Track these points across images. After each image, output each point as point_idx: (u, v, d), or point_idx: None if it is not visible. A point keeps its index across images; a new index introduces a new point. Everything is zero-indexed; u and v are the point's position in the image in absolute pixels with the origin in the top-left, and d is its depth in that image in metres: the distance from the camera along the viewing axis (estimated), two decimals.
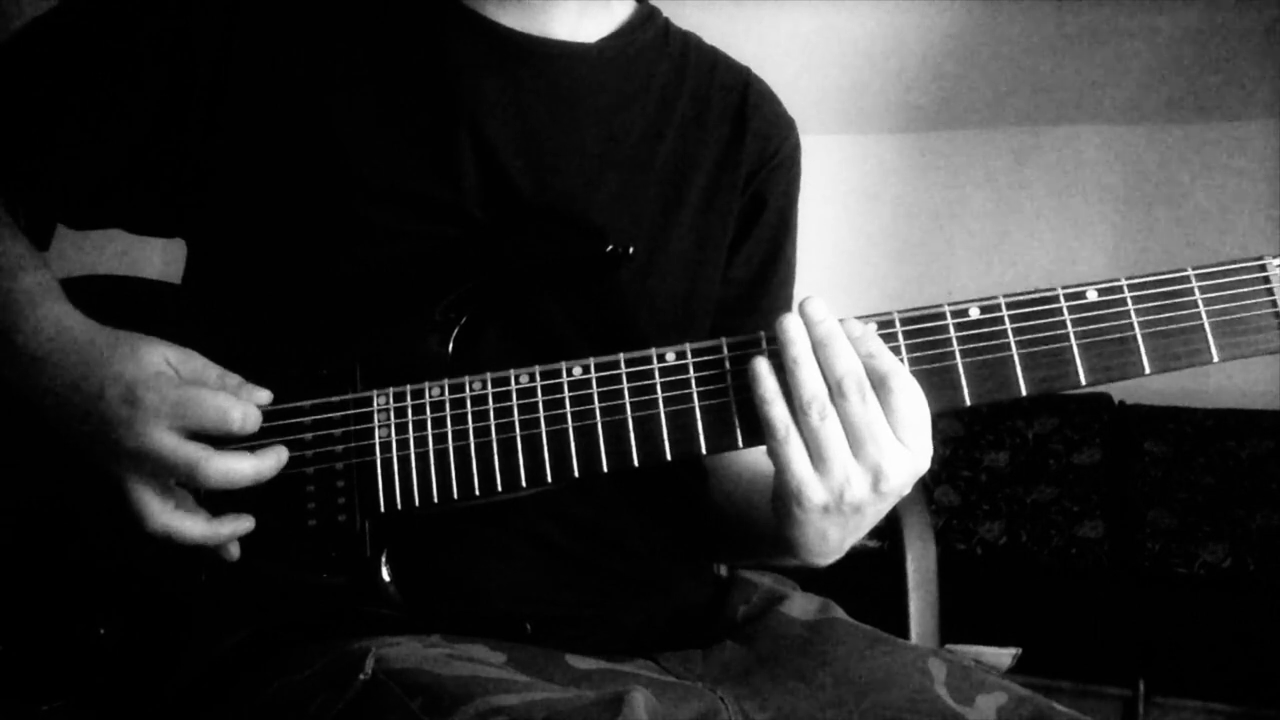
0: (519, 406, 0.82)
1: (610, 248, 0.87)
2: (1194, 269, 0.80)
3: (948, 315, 0.80)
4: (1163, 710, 2.75)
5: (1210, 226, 3.63)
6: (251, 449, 0.80)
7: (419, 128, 0.91)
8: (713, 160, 1.00)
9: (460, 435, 0.82)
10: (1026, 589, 3.21)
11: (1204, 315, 0.79)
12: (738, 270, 1.04)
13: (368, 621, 0.81)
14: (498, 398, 0.82)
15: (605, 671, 0.79)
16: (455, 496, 0.82)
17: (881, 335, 0.80)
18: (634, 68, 0.98)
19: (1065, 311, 0.79)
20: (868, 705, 0.78)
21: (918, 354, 0.80)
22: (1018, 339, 0.79)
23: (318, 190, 0.89)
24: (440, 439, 0.82)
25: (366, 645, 0.76)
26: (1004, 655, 2.78)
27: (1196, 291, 0.79)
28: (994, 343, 0.80)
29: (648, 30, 1.01)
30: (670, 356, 0.82)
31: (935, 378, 0.79)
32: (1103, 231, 3.79)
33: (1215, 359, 0.79)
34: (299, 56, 0.90)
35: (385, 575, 0.83)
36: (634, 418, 0.81)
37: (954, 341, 0.80)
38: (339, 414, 0.84)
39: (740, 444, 0.81)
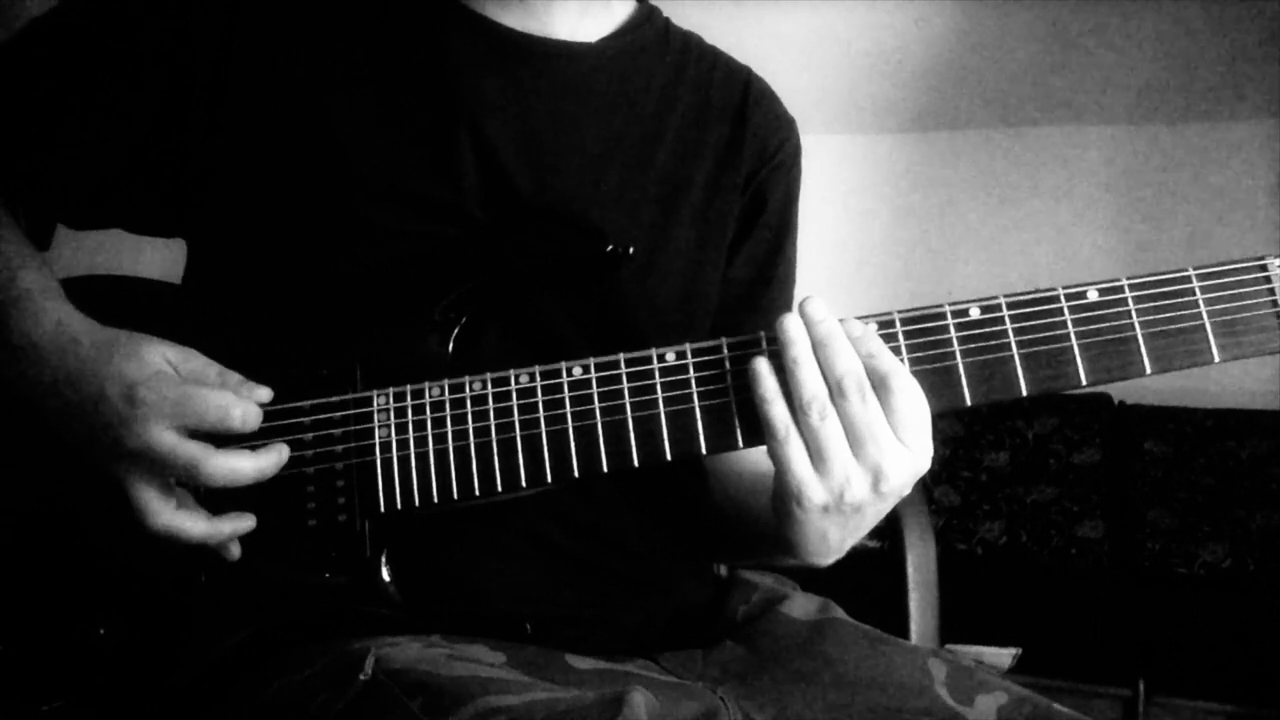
0: (519, 406, 0.82)
1: (610, 248, 0.87)
2: (1195, 269, 0.80)
3: (948, 315, 0.80)
4: (1163, 710, 2.74)
5: (1210, 226, 3.63)
6: (252, 448, 0.80)
7: (419, 128, 0.91)
8: (713, 160, 1.00)
9: (460, 435, 0.82)
10: (1026, 589, 3.21)
11: (1205, 315, 0.79)
12: (738, 270, 1.04)
13: (368, 621, 0.81)
14: (498, 398, 0.82)
15: (605, 671, 0.79)
16: (455, 496, 0.82)
17: (882, 335, 0.80)
18: (634, 67, 0.98)
19: (1066, 311, 0.79)
20: (868, 705, 0.79)
21: (918, 354, 0.80)
22: (1018, 339, 0.79)
23: (318, 190, 0.89)
24: (440, 439, 0.82)
25: (366, 645, 0.76)
26: (1004, 655, 2.78)
27: (1197, 291, 0.79)
28: (994, 343, 0.79)
29: (648, 30, 1.01)
30: (670, 356, 0.82)
31: (935, 378, 0.79)
32: (1103, 231, 3.78)
33: (1216, 359, 0.79)
34: (299, 56, 0.90)
35: (385, 575, 0.83)
36: (634, 418, 0.81)
37: (954, 341, 0.80)
38: (339, 414, 0.84)
39: (740, 444, 0.81)
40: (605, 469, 0.81)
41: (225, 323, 0.90)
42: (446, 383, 0.83)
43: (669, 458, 0.81)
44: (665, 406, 0.81)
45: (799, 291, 1.02)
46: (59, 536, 0.86)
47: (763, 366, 0.78)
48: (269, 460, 0.80)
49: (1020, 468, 3.48)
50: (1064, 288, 0.80)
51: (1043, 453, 3.47)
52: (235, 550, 0.82)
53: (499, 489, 0.81)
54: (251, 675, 0.81)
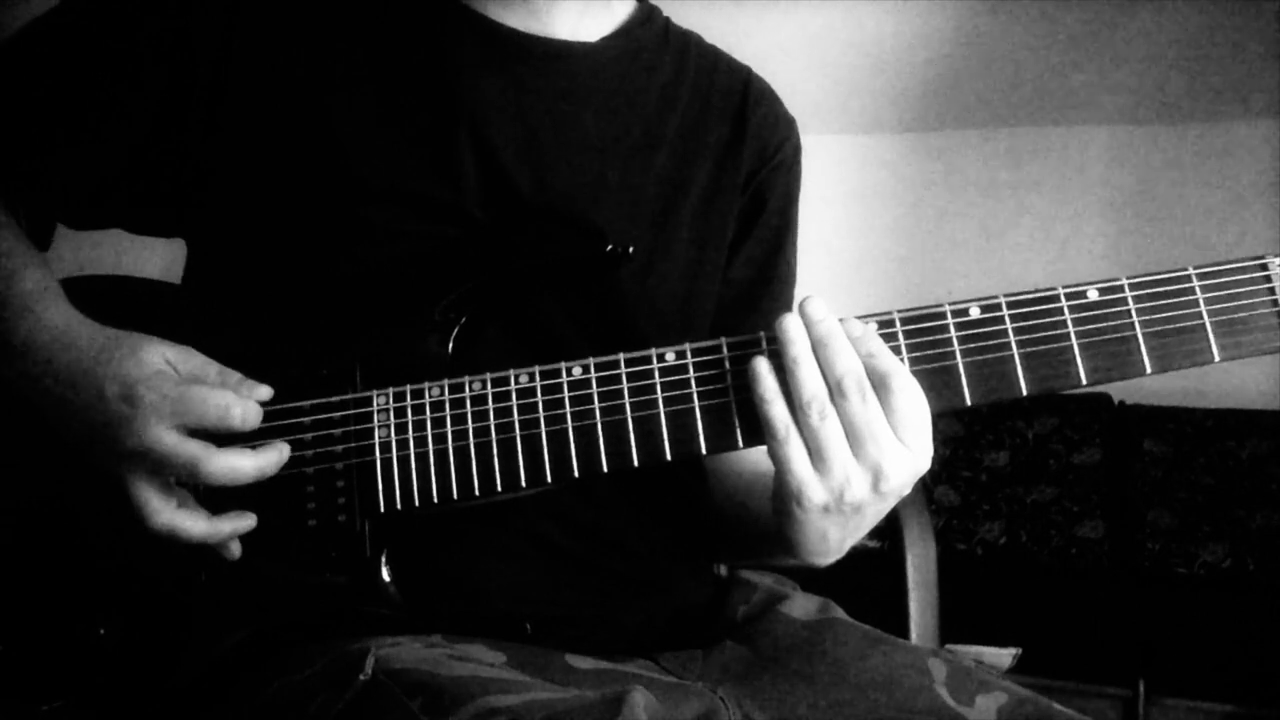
0: (519, 406, 0.82)
1: (610, 247, 0.87)
2: (1195, 268, 0.80)
3: (948, 315, 0.80)
4: (1163, 710, 2.74)
5: (1210, 226, 3.63)
6: (252, 448, 0.80)
7: (419, 128, 0.91)
8: (713, 160, 1.00)
9: (460, 435, 0.82)
10: (1026, 589, 3.21)
11: (1205, 315, 0.79)
12: (738, 270, 1.04)
13: (368, 621, 0.81)
14: (497, 398, 0.82)
15: (605, 671, 0.79)
16: (455, 497, 0.82)
17: (882, 335, 0.79)
18: (634, 67, 0.98)
19: (1066, 311, 0.79)
20: (868, 705, 0.78)
21: (918, 354, 0.80)
22: (1018, 339, 0.79)
23: (318, 190, 0.89)
24: (440, 439, 0.82)
25: (366, 645, 0.76)
26: (1004, 655, 2.78)
27: (1198, 291, 0.79)
28: (994, 342, 0.79)
29: (648, 30, 1.01)
30: (670, 356, 0.82)
31: (935, 377, 0.79)
32: (1103, 231, 3.78)
33: (1216, 359, 0.79)
34: (299, 56, 0.90)
35: (385, 575, 0.83)
36: (634, 418, 0.81)
37: (954, 341, 0.80)
38: (339, 414, 0.84)
39: (740, 444, 0.81)
40: (605, 469, 0.81)
41: (225, 323, 0.90)
42: (446, 383, 0.83)
43: (669, 458, 0.81)
44: (665, 406, 0.81)
45: (799, 291, 1.02)
46: (59, 536, 0.86)
47: (762, 366, 0.78)
48: (269, 459, 0.80)
49: (1020, 468, 3.48)
50: (1064, 287, 0.80)
51: (1043, 453, 3.47)
52: (236, 549, 0.81)
53: (499, 489, 0.81)
54: (251, 675, 0.81)
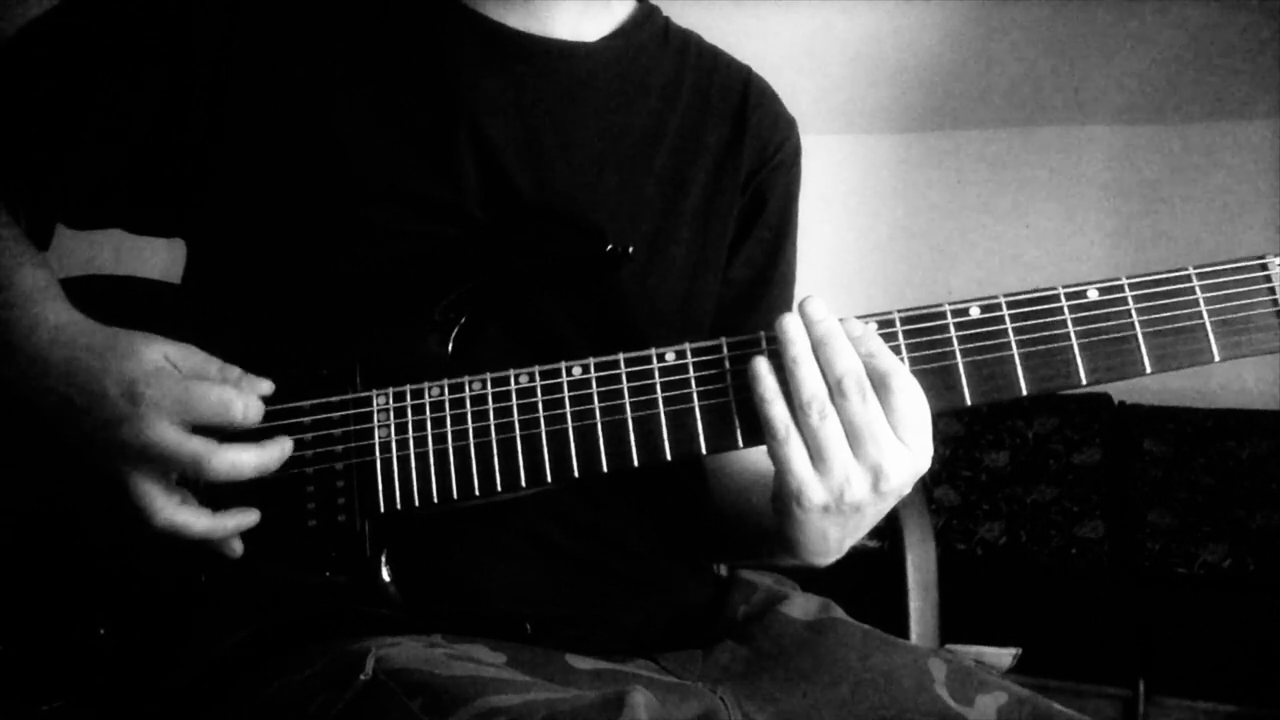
0: (519, 406, 0.82)
1: (610, 247, 0.87)
2: (1195, 268, 0.80)
3: (948, 315, 0.80)
4: (1162, 710, 2.75)
5: (1210, 226, 3.63)
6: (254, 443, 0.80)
7: (419, 128, 0.91)
8: (713, 160, 1.00)
9: (460, 435, 0.82)
10: (1026, 589, 3.21)
11: (1205, 315, 0.79)
12: (738, 270, 1.04)
13: (368, 621, 0.81)
14: (497, 398, 0.82)
15: (605, 671, 0.79)
16: (455, 497, 0.82)
17: (882, 335, 0.79)
18: (634, 67, 0.98)
19: (1066, 311, 0.79)
20: (868, 705, 0.78)
21: (918, 353, 0.80)
22: (1018, 338, 0.79)
23: (318, 190, 0.89)
24: (440, 439, 0.82)
25: (367, 645, 0.76)
26: (1004, 655, 2.78)
27: (1198, 291, 0.79)
28: (994, 342, 0.79)
29: (648, 29, 1.01)
30: (670, 356, 0.82)
31: (935, 377, 0.79)
32: (1103, 231, 3.79)
33: (1216, 358, 0.79)
34: (299, 56, 0.90)
35: (385, 575, 0.83)
36: (634, 418, 0.81)
37: (954, 341, 0.80)
38: (339, 414, 0.84)
39: (740, 444, 0.81)
40: (605, 469, 0.81)
41: (225, 323, 0.90)
42: (446, 383, 0.83)
43: (669, 458, 0.81)
44: (665, 406, 0.81)
45: (799, 291, 1.02)
46: (59, 536, 0.86)
47: (762, 366, 0.78)
48: (271, 453, 0.80)
49: (1020, 468, 3.48)
50: (1064, 287, 0.80)
51: (1043, 453, 3.47)
52: (238, 547, 0.81)
53: (499, 489, 0.81)
54: (251, 675, 0.81)
